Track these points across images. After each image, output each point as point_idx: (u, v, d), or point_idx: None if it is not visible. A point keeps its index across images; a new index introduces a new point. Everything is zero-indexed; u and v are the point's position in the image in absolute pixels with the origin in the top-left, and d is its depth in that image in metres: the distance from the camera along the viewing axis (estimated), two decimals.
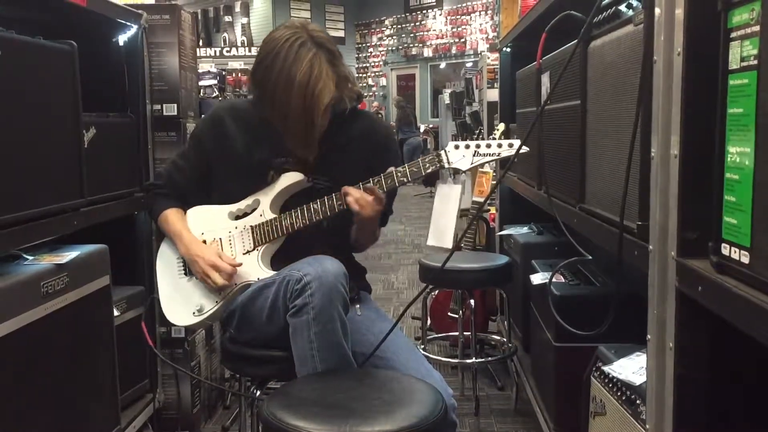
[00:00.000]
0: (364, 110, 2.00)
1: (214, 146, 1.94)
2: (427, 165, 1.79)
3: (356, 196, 1.77)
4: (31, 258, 1.79)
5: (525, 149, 1.75)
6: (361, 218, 1.81)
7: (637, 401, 1.39)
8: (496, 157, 1.77)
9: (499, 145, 1.76)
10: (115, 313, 2.21)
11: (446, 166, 1.78)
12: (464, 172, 1.83)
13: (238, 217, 1.95)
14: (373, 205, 1.78)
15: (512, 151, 1.73)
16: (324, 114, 1.79)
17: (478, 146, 1.77)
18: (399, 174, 1.79)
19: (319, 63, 1.73)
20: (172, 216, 1.99)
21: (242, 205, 1.94)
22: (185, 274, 1.96)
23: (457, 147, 1.78)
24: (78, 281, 1.88)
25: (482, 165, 1.81)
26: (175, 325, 1.96)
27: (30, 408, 1.67)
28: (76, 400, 1.88)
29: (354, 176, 1.81)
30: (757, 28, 0.82)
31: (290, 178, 1.89)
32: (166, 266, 1.99)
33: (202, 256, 1.88)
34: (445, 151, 1.78)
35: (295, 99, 1.72)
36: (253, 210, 1.93)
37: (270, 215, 1.90)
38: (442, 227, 1.80)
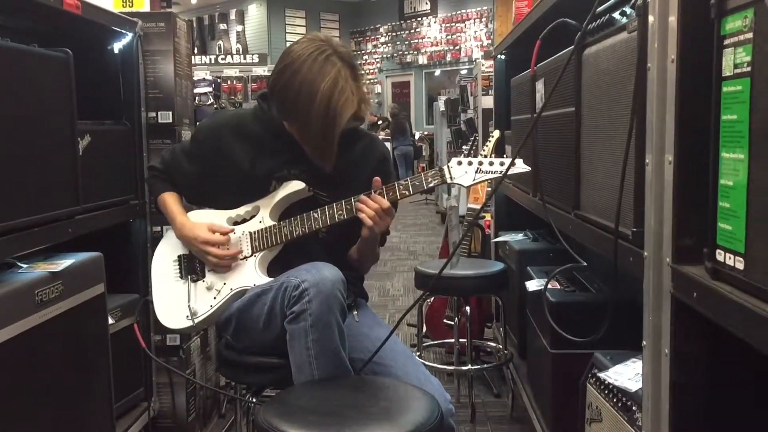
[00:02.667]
0: (365, 132, 2.01)
1: (214, 161, 1.94)
2: (430, 179, 1.80)
3: (370, 214, 1.77)
4: (25, 266, 1.78)
5: (526, 168, 1.75)
6: (372, 234, 1.81)
7: (633, 408, 1.39)
8: (498, 175, 1.78)
9: (501, 164, 1.77)
10: (110, 321, 2.20)
11: (448, 181, 1.79)
12: (466, 188, 1.84)
13: (236, 223, 1.95)
14: (385, 218, 1.79)
15: (516, 170, 1.73)
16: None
17: (480, 163, 1.77)
18: (401, 187, 1.79)
19: (344, 77, 1.73)
20: (169, 199, 2.03)
21: (241, 210, 1.94)
22: (180, 277, 1.96)
23: (459, 163, 1.78)
24: (72, 289, 1.87)
25: (483, 182, 1.82)
26: (168, 329, 1.96)
27: (24, 416, 1.66)
28: (70, 408, 1.87)
29: (353, 193, 1.81)
30: (750, 35, 0.82)
31: (291, 187, 1.89)
32: (161, 269, 1.99)
33: (194, 236, 1.91)
34: (448, 166, 1.79)
35: (317, 110, 1.71)
36: (252, 216, 1.93)
37: (269, 222, 1.90)
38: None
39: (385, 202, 1.77)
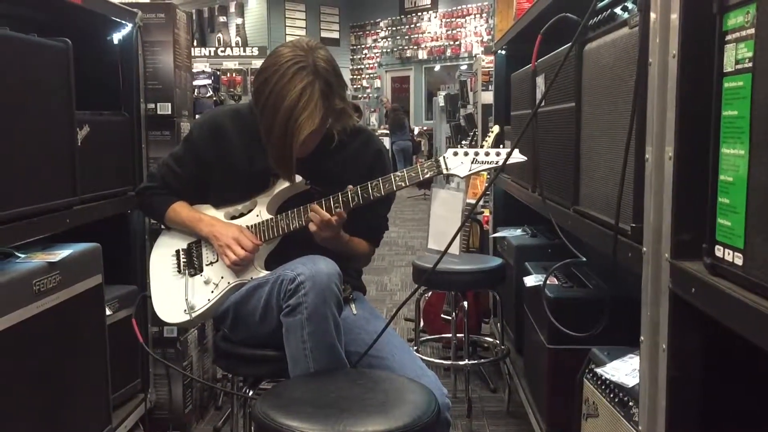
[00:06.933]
0: (362, 128, 1.99)
1: (214, 157, 1.92)
2: (426, 170, 1.79)
3: (316, 221, 1.79)
4: (23, 256, 1.78)
5: (522, 158, 1.75)
6: (318, 239, 1.82)
7: (630, 403, 1.39)
8: (494, 165, 1.77)
9: (498, 154, 1.77)
10: (107, 312, 2.20)
11: (444, 172, 1.78)
12: (462, 178, 1.83)
13: (234, 218, 1.94)
14: (330, 228, 1.79)
15: (511, 160, 1.73)
16: (307, 142, 1.76)
17: (476, 154, 1.77)
18: (397, 178, 1.79)
19: (310, 92, 1.69)
20: (182, 207, 1.99)
21: (239, 205, 1.94)
22: (179, 271, 1.95)
23: (455, 154, 1.78)
24: (70, 280, 1.87)
25: (479, 172, 1.81)
26: (166, 323, 1.96)
27: (21, 406, 1.66)
28: (67, 398, 1.87)
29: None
30: (752, 30, 0.82)
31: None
32: (159, 263, 1.98)
33: (225, 232, 1.88)
34: (444, 157, 1.79)
35: (278, 120, 1.70)
36: (250, 211, 1.93)
37: (266, 216, 1.90)
38: (448, 234, 1.80)
39: (325, 214, 1.78)
